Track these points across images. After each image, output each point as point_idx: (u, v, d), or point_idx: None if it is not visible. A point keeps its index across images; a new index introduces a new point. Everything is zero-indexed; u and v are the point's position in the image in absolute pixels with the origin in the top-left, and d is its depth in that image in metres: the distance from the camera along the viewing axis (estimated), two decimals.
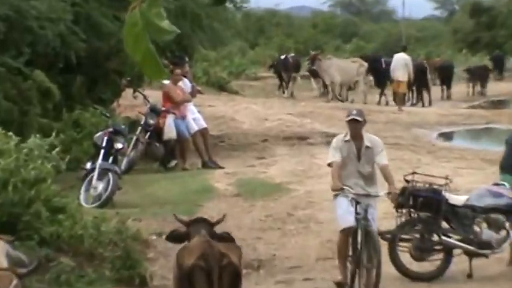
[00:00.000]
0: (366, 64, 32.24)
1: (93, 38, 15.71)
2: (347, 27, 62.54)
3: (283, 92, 35.02)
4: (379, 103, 31.55)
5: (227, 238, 8.09)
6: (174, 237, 8.14)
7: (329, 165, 9.83)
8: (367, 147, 9.69)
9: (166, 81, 16.23)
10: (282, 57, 36.27)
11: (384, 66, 30.99)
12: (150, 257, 10.79)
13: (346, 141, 9.77)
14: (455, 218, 10.37)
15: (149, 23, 2.39)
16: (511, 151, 11.44)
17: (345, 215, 9.47)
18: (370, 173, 9.76)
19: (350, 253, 9.59)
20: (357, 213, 9.37)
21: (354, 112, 9.91)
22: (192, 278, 7.36)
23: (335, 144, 9.81)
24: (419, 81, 31.16)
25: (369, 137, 9.94)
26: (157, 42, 2.46)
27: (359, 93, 32.65)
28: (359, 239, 9.37)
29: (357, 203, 9.40)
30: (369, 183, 9.70)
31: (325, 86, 33.44)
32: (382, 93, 32.20)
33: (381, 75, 31.50)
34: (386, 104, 31.25)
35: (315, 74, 33.78)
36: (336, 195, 9.72)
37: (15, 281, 6.07)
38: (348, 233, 9.46)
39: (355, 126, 9.72)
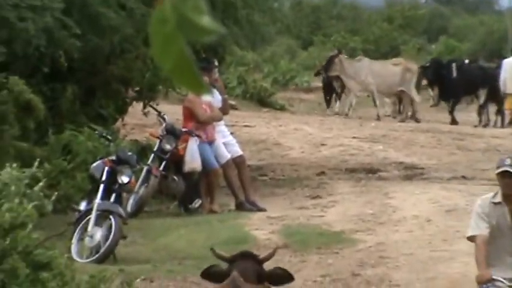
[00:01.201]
0: (414, 68, 32.90)
1: (91, 34, 16.07)
2: (434, 22, 62.92)
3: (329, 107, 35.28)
4: (453, 122, 31.91)
5: (281, 276, 8.59)
6: (212, 274, 8.48)
7: (470, 239, 9.41)
8: None
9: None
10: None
11: (454, 74, 31.66)
12: None
13: (495, 203, 9.18)
14: None
15: (184, 19, 2.40)
16: None
17: None
18: None
19: None
20: None
21: (508, 162, 9.23)
22: None
23: (480, 209, 9.24)
24: None
25: None
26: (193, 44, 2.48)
27: (405, 108, 33.05)
28: None
29: None
30: None
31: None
32: (451, 112, 32.54)
33: (449, 87, 32.04)
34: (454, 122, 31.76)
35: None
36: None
37: None
38: None
39: (509, 182, 9.04)
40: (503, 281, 8.82)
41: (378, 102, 32.89)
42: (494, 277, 8.81)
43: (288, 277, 8.81)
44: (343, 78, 33.50)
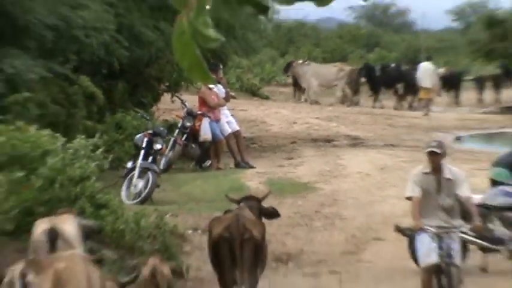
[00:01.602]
0: (346, 68, 32.85)
1: (135, 47, 15.70)
2: (370, 38, 62.14)
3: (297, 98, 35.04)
4: (373, 107, 32.01)
5: (272, 212, 9.10)
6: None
7: (408, 198, 9.11)
8: (448, 179, 8.89)
9: (211, 86, 16.26)
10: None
11: (378, 73, 32.00)
12: (186, 251, 10.88)
13: (425, 173, 8.98)
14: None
15: (196, 31, 2.37)
16: None
17: (427, 251, 8.79)
18: (451, 205, 8.94)
19: None
20: (439, 249, 8.74)
21: (433, 144, 9.06)
22: (218, 246, 8.07)
23: (414, 178, 9.03)
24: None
25: (450, 169, 9.08)
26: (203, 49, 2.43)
27: (336, 97, 32.82)
28: (443, 279, 8.77)
29: (439, 238, 8.75)
30: (450, 216, 8.93)
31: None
32: (375, 99, 32.62)
33: (374, 82, 32.33)
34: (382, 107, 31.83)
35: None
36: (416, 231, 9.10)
37: None
38: (431, 271, 8.79)
39: (434, 159, 8.86)
40: (431, 228, 8.67)
41: (310, 92, 32.80)
42: (424, 226, 8.70)
43: (276, 213, 9.23)
44: (297, 77, 33.36)
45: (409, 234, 9.95)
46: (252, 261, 8.00)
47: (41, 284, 5.94)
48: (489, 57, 43.76)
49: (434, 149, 8.85)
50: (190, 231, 11.46)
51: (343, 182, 15.24)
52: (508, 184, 10.92)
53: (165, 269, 7.51)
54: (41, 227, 6.79)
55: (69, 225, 6.91)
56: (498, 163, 11.54)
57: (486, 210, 10.41)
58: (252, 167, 16.57)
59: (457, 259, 8.76)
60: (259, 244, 8.10)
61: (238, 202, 8.81)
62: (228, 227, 8.03)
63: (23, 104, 12.41)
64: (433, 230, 8.74)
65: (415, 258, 9.80)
